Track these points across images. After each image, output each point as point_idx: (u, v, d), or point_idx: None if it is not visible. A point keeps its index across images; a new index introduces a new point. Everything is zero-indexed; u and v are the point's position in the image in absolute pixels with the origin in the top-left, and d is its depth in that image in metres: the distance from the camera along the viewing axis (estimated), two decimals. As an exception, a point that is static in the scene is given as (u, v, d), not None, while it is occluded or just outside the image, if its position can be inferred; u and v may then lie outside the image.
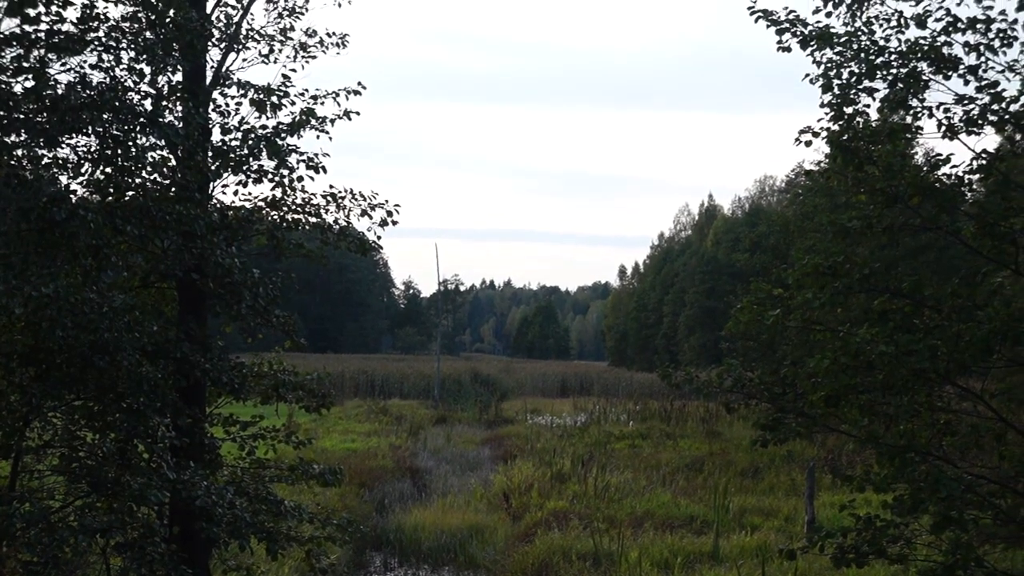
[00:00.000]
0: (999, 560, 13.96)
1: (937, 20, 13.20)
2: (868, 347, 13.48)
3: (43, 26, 14.78)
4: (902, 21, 13.41)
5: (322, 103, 18.46)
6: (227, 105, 18.26)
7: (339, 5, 19.53)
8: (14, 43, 14.77)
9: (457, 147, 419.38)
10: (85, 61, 15.28)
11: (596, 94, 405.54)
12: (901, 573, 15.41)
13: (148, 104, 16.11)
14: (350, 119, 18.58)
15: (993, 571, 13.41)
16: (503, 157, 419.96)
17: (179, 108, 16.66)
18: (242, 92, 18.28)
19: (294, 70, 18.83)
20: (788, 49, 13.87)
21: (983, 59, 13.10)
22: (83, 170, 16.00)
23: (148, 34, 15.73)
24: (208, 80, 18.08)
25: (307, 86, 18.68)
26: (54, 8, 14.74)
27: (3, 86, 14.83)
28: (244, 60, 18.76)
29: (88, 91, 15.11)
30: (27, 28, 14.72)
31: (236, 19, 18.61)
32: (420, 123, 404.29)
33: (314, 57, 19.12)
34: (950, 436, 14.01)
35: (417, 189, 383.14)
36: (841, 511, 16.73)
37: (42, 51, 14.89)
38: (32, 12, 14.65)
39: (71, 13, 14.94)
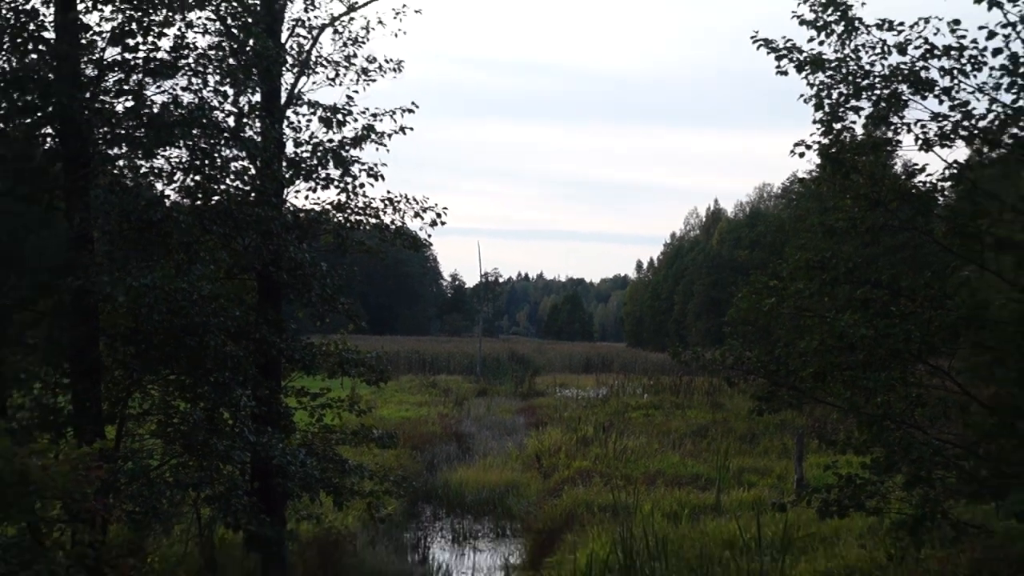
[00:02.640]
0: (962, 513, 13.88)
1: (916, 48, 13.07)
2: (851, 330, 13.49)
3: (141, 54, 14.87)
4: (885, 48, 13.28)
5: (380, 120, 18.48)
6: (299, 122, 18.37)
7: (395, 36, 19.54)
8: (116, 68, 14.88)
9: (499, 158, 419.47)
10: (177, 84, 15.35)
11: (621, 113, 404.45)
12: (877, 524, 15.32)
13: (231, 121, 16.22)
14: (405, 134, 18.62)
15: (956, 523, 13.41)
16: (538, 167, 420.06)
17: (258, 124, 16.73)
18: (312, 110, 18.35)
19: (356, 91, 18.89)
20: (785, 73, 13.78)
21: (956, 81, 12.97)
22: (175, 178, 16.08)
23: (231, 61, 15.77)
24: (283, 100, 18.15)
25: (368, 105, 18.74)
26: (150, 38, 14.84)
27: (107, 106, 14.95)
28: (313, 83, 18.84)
29: (180, 110, 15.17)
30: (127, 56, 14.82)
31: (307, 47, 18.70)
32: (467, 137, 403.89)
33: (374, 80, 19.19)
34: (921, 407, 14.00)
35: (463, 194, 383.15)
36: (826, 471, 16.70)
37: (140, 75, 14.98)
38: (132, 42, 14.75)
39: (165, 42, 15.03)
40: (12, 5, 14.21)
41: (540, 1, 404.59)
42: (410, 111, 18.58)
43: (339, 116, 18.28)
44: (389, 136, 18.51)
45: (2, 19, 14.07)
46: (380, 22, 19.29)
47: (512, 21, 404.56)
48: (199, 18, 15.63)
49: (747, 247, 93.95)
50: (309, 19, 18.79)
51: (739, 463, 29.06)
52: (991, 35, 12.71)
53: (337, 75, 18.95)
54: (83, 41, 14.63)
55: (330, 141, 18.22)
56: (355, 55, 19.02)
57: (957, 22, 12.85)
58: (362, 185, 18.43)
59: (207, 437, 15.22)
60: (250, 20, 16.52)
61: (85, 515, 10.31)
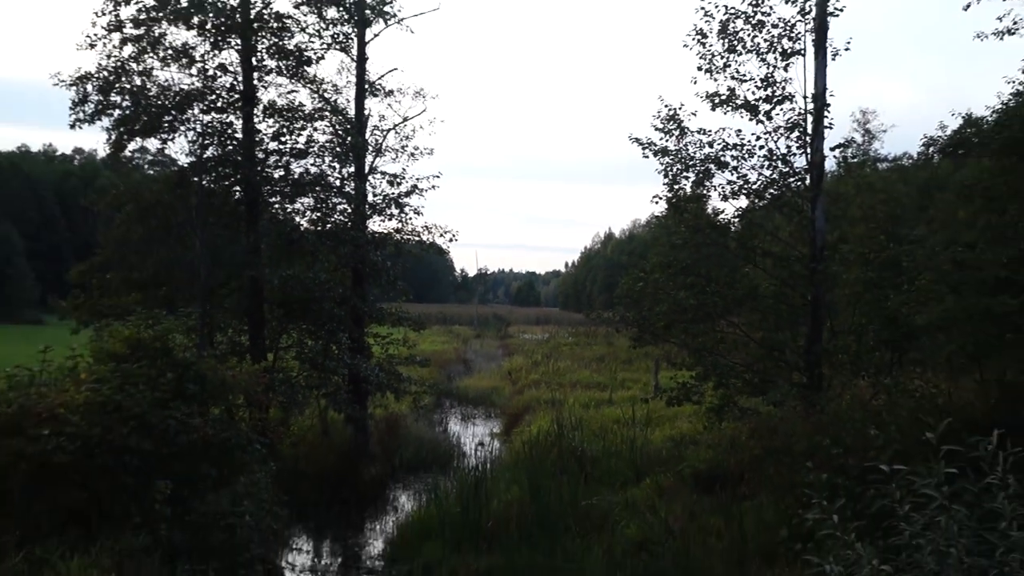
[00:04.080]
0: (744, 403, 14.18)
1: (718, 144, 13.28)
2: (685, 301, 13.71)
3: (288, 145, 15.07)
4: (701, 144, 13.49)
5: (421, 181, 18.59)
6: (375, 183, 18.46)
7: (430, 135, 19.80)
8: (274, 154, 15.08)
9: (490, 201, 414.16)
10: (308, 162, 15.58)
11: (563, 176, 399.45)
12: (698, 409, 15.62)
13: (338, 183, 16.42)
14: (435, 188, 18.72)
15: (741, 409, 13.70)
16: (513, 207, 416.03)
17: (353, 184, 16.90)
18: (382, 176, 18.46)
19: (407, 166, 19.23)
20: (648, 156, 13.91)
21: (740, 162, 13.24)
22: (307, 215, 16.32)
23: (338, 149, 15.97)
24: (366, 171, 18.23)
25: (415, 172, 18.98)
26: (294, 136, 15.05)
27: (269, 174, 15.14)
28: (382, 160, 18.93)
29: (309, 176, 15.41)
30: (281, 146, 15.02)
31: (380, 141, 18.77)
32: (472, 188, 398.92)
33: (417, 160, 19.29)
34: (723, 344, 14.22)
35: (469, 222, 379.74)
36: (671, 379, 16.88)
37: (288, 157, 15.17)
38: (283, 139, 14.97)
39: (301, 139, 15.22)
40: (218, 119, 14.48)
41: (514, 119, 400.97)
42: (437, 176, 18.80)
43: (398, 179, 18.47)
44: (426, 190, 18.65)
45: (213, 127, 14.31)
46: (421, 127, 19.80)
47: (499, 130, 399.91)
48: (321, 125, 15.86)
49: (627, 254, 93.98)
50: (380, 125, 18.91)
51: (622, 376, 29.17)
52: (758, 138, 13.03)
53: (396, 157, 19.09)
54: (257, 139, 14.86)
55: (393, 193, 18.39)
56: (406, 146, 19.13)
57: (740, 131, 13.19)
58: (411, 218, 18.54)
59: (323, 360, 15.51)
60: (349, 127, 16.77)
61: (256, 403, 10.46)
